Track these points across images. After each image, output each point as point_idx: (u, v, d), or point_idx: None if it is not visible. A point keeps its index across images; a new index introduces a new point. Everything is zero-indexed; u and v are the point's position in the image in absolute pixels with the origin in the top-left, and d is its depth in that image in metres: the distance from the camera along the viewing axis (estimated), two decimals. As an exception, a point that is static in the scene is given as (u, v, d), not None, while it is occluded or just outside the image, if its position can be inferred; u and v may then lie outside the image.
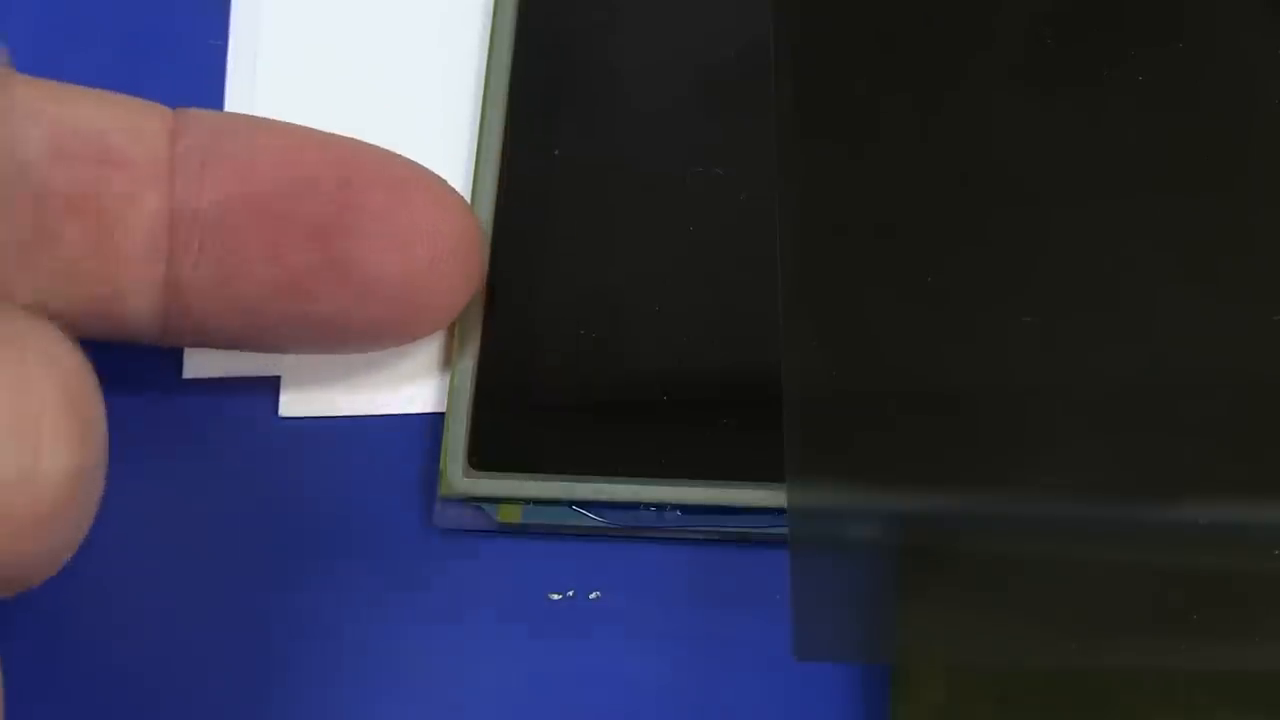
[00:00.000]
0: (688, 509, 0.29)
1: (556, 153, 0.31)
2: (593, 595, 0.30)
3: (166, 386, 0.30)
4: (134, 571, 0.30)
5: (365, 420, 0.30)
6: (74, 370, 0.23)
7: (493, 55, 0.32)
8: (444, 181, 0.29)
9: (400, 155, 0.29)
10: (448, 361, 0.30)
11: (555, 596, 0.30)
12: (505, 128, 0.31)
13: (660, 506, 0.29)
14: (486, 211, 0.31)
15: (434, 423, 0.30)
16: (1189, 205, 0.30)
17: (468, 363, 0.30)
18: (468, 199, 0.31)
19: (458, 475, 0.29)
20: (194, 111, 0.28)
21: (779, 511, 0.28)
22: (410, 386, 0.31)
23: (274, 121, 0.29)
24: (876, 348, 0.29)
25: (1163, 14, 0.31)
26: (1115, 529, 0.28)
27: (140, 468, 0.30)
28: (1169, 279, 0.29)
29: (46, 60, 0.33)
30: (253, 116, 0.29)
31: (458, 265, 0.28)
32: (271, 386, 0.31)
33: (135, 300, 0.27)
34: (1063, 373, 0.29)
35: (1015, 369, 0.29)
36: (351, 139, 0.29)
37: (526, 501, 0.30)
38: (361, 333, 0.29)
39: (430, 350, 0.31)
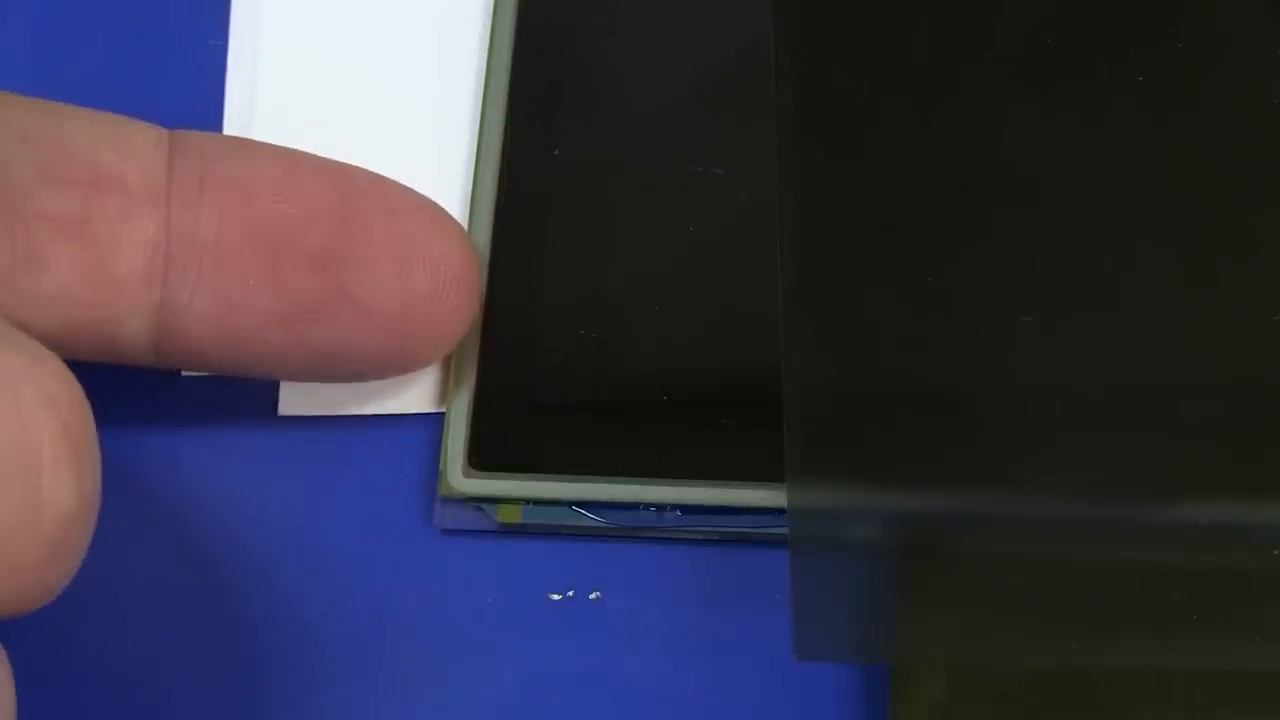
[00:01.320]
0: (688, 509, 0.29)
1: (556, 153, 0.31)
2: (593, 595, 0.30)
3: (166, 385, 0.30)
4: (132, 571, 0.30)
5: (365, 420, 0.30)
6: (71, 404, 0.23)
7: (493, 55, 0.32)
8: (443, 210, 0.29)
9: (399, 183, 0.28)
10: (448, 362, 0.30)
11: (555, 596, 0.30)
12: (505, 128, 0.31)
13: (660, 506, 0.29)
14: (486, 212, 0.31)
15: (434, 423, 0.30)
16: (1189, 205, 0.30)
17: (468, 363, 0.30)
18: (467, 200, 0.31)
19: (458, 475, 0.29)
20: (190, 134, 0.28)
21: (779, 511, 0.28)
22: (410, 386, 0.31)
23: (271, 146, 0.28)
24: (876, 348, 0.29)
25: (1163, 14, 0.31)
26: (1115, 529, 0.28)
27: (139, 467, 0.30)
28: (1169, 279, 0.29)
29: (46, 60, 0.33)
30: (249, 140, 0.28)
31: (458, 294, 0.28)
32: (271, 386, 0.31)
33: (129, 325, 0.27)
34: (1063, 373, 0.29)
35: (1015, 369, 0.29)
36: (350, 165, 0.28)
37: (526, 501, 0.30)
38: (360, 363, 0.28)
39: (430, 350, 0.31)
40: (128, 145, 0.27)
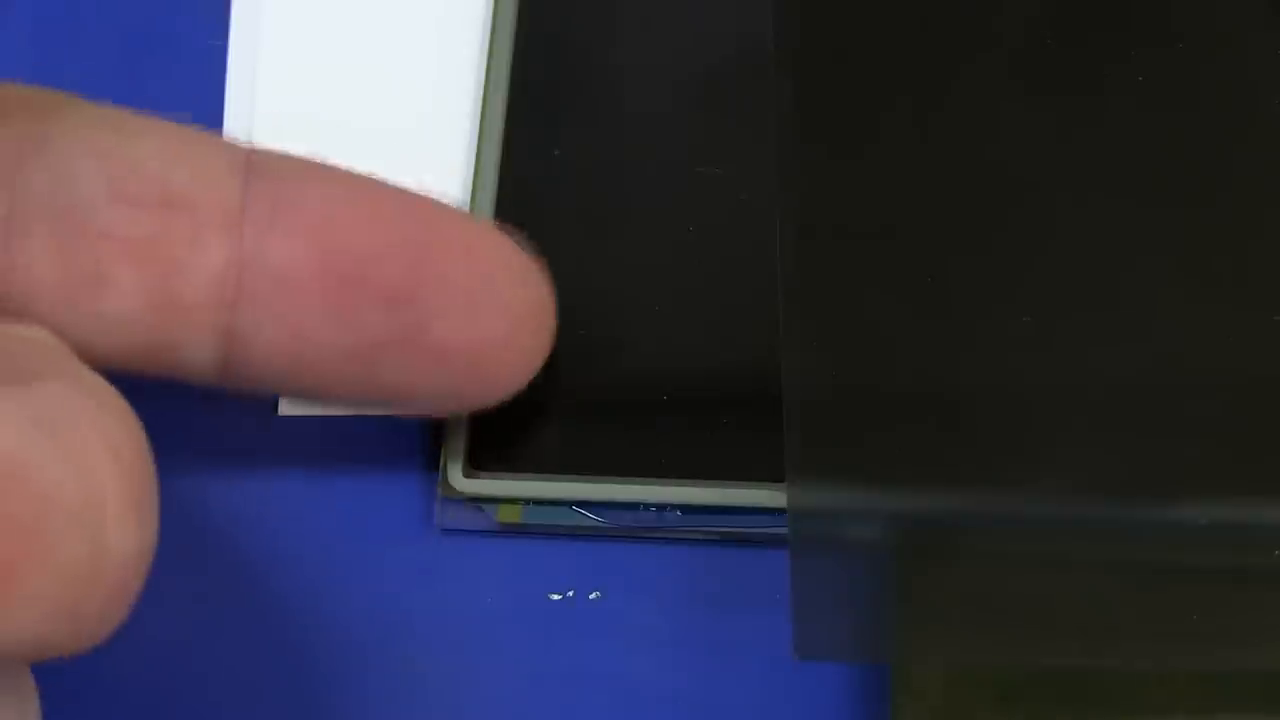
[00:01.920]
0: (688, 509, 0.29)
1: (556, 153, 0.31)
2: (593, 595, 0.30)
3: (165, 384, 0.30)
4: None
5: (365, 420, 0.30)
6: (135, 449, 0.23)
7: (493, 55, 0.32)
8: (518, 247, 0.28)
9: (478, 219, 0.28)
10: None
11: (555, 596, 0.30)
12: (505, 128, 0.31)
13: (660, 506, 0.29)
14: (486, 212, 0.31)
15: (434, 423, 0.30)
16: (1189, 205, 0.30)
17: (468, 363, 0.30)
18: (467, 200, 0.31)
19: (458, 475, 0.29)
20: (269, 154, 0.27)
21: (779, 511, 0.28)
22: (410, 386, 0.31)
23: (351, 173, 0.27)
24: (876, 348, 0.29)
25: (1163, 14, 0.31)
26: (1116, 529, 0.28)
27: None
28: (1169, 279, 0.29)
29: (46, 60, 0.33)
30: (329, 166, 0.27)
31: (530, 335, 0.28)
32: (271, 385, 0.31)
33: (192, 351, 0.27)
34: (1063, 372, 0.29)
35: (1015, 369, 0.29)
36: (429, 198, 0.27)
37: (526, 501, 0.30)
38: (427, 400, 0.28)
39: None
40: (202, 166, 0.26)
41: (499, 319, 0.27)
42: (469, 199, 0.31)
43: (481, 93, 0.32)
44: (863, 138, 0.31)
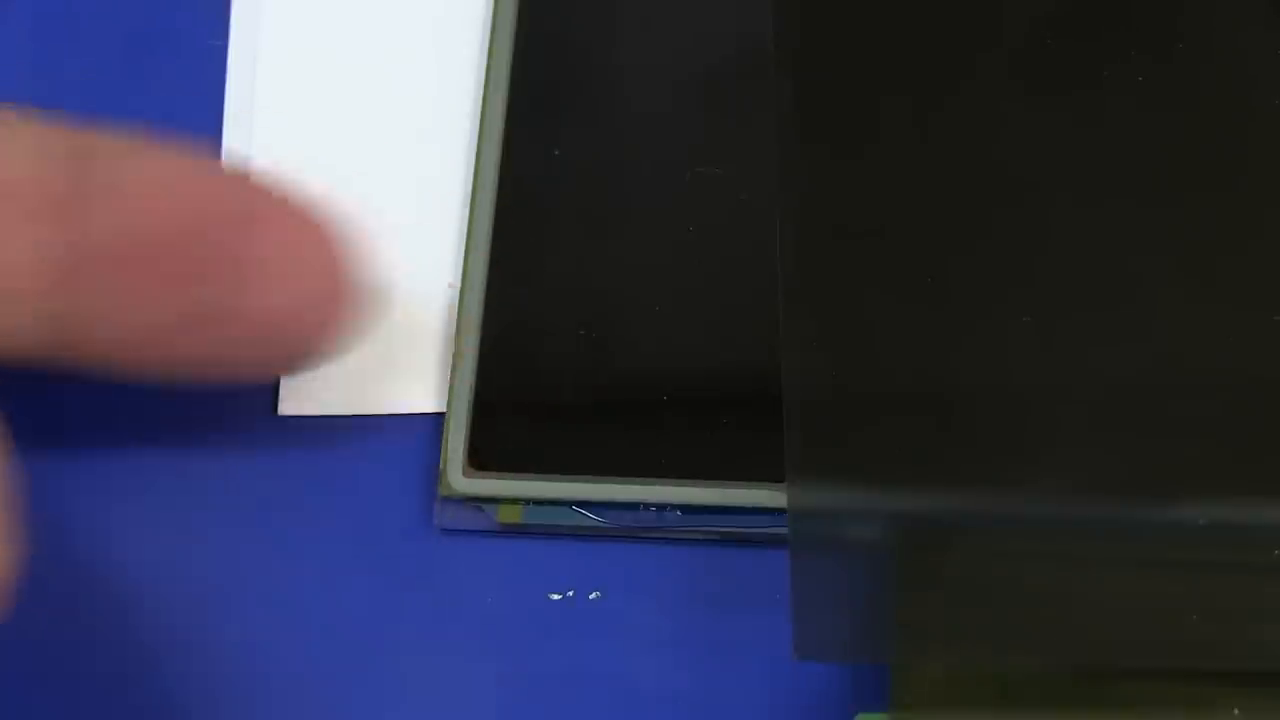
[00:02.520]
0: (688, 509, 0.29)
1: (556, 153, 0.31)
2: (593, 595, 0.30)
3: (165, 385, 0.30)
4: (131, 571, 0.30)
5: (365, 420, 0.30)
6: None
7: (493, 56, 0.32)
8: (321, 215, 0.28)
9: (284, 190, 0.28)
10: (448, 361, 0.30)
11: (555, 596, 0.30)
12: (505, 128, 0.31)
13: (660, 506, 0.29)
14: (487, 212, 0.31)
15: (434, 423, 0.30)
16: (1189, 205, 0.30)
17: (468, 362, 0.30)
18: (468, 200, 0.31)
19: (458, 475, 0.29)
20: (97, 137, 0.27)
21: (779, 511, 0.28)
22: (410, 386, 0.31)
23: (171, 151, 0.28)
24: (876, 348, 0.29)
25: (1163, 15, 0.31)
26: (1115, 529, 0.28)
27: (138, 466, 0.30)
28: (1169, 279, 0.29)
29: (46, 60, 0.33)
30: (145, 143, 0.28)
31: (338, 299, 0.28)
32: (270, 385, 0.31)
33: (21, 336, 0.27)
34: (1063, 372, 0.29)
35: (1015, 369, 0.29)
36: (244, 172, 0.28)
37: (526, 501, 0.30)
38: (249, 368, 0.28)
39: (430, 350, 0.31)
40: (26, 153, 0.27)
41: (305, 286, 0.28)
42: (469, 199, 0.31)
43: (481, 93, 0.32)
44: (863, 138, 0.31)
